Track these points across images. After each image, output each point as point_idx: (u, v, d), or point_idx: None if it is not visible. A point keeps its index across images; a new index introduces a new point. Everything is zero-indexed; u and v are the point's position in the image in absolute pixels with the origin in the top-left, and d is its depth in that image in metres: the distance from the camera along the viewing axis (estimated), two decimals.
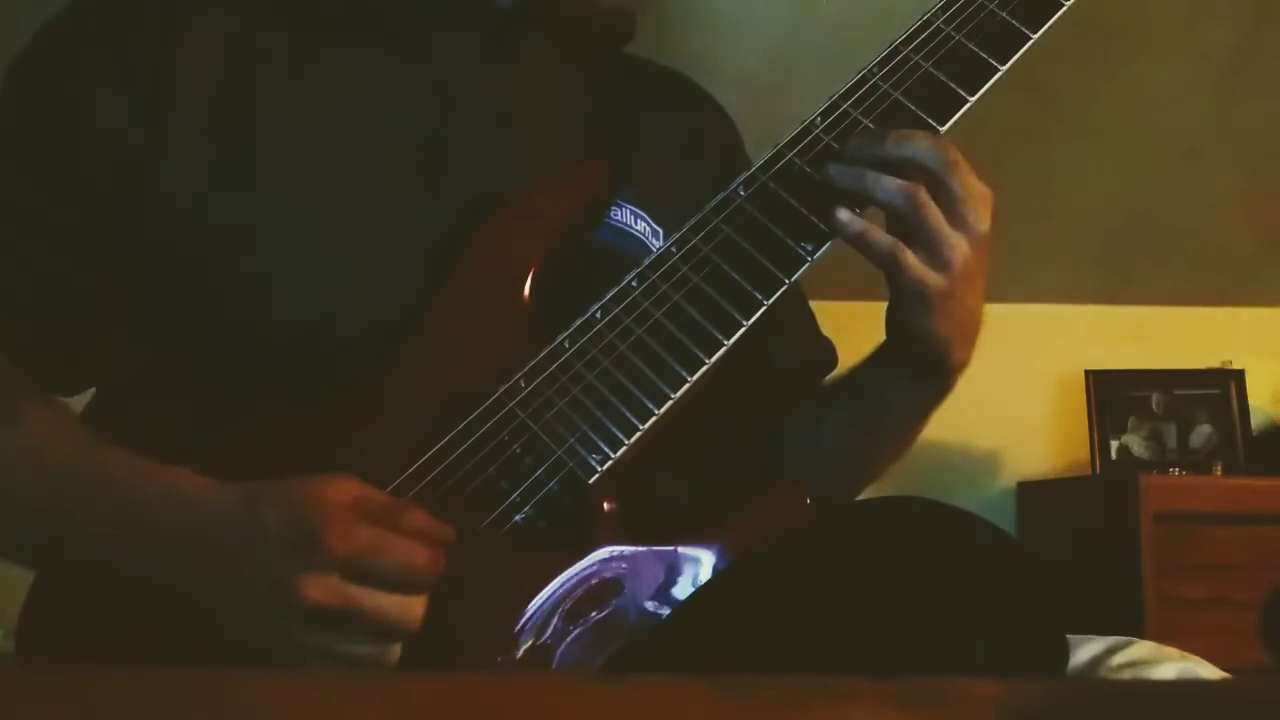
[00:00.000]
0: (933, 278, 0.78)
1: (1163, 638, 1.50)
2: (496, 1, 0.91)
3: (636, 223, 0.92)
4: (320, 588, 0.66)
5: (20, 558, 0.79)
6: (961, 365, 0.85)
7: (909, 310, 0.81)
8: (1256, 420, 2.27)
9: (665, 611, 0.76)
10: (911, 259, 0.78)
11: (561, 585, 0.75)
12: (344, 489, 0.69)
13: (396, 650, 0.68)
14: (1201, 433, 2.26)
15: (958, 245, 0.78)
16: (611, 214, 0.90)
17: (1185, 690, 0.67)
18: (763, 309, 0.80)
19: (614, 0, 1.00)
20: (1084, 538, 2.12)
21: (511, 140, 0.89)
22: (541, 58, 0.94)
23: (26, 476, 0.76)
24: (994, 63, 0.84)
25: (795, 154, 0.83)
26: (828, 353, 1.04)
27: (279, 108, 0.85)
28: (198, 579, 0.70)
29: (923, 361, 0.85)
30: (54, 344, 0.85)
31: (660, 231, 0.93)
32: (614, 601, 0.76)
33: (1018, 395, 2.30)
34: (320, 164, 0.84)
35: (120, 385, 0.88)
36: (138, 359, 0.86)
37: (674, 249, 0.82)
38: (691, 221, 0.83)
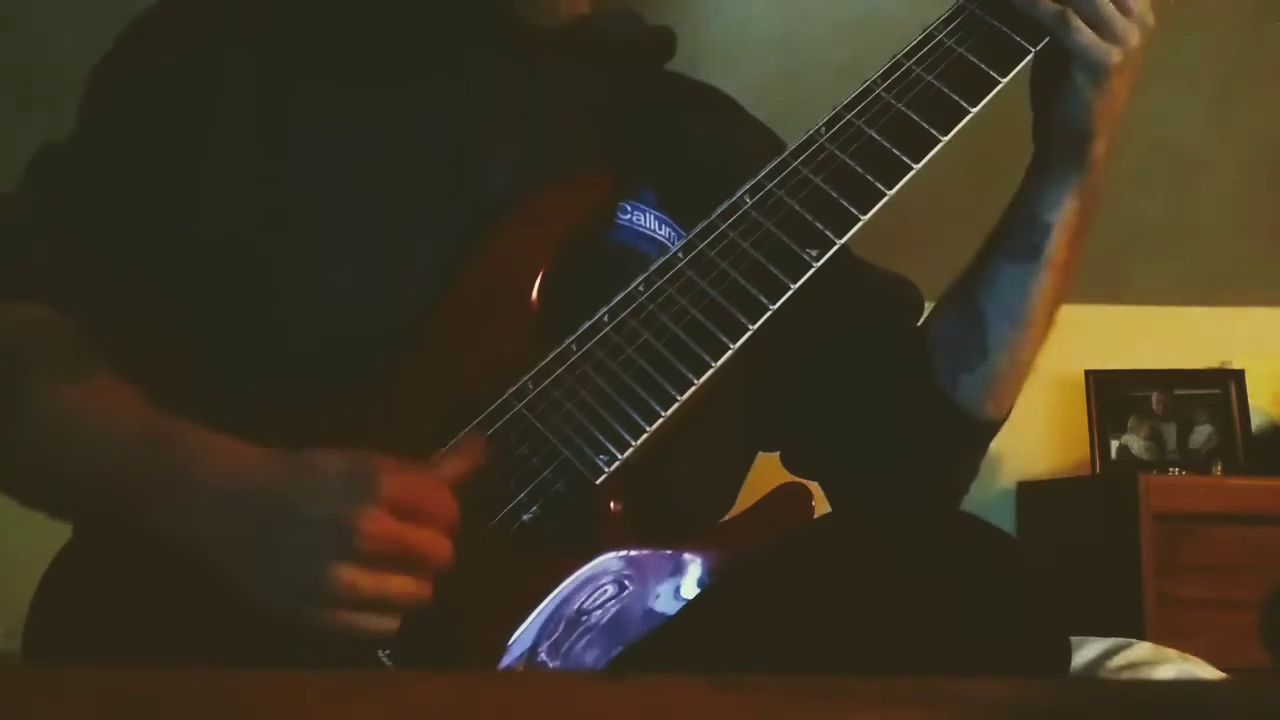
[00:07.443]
0: (1104, 47, 0.84)
1: (1162, 638, 1.50)
2: (532, 24, 0.92)
3: (660, 228, 0.92)
4: (376, 522, 0.69)
5: (71, 513, 0.81)
6: (1099, 160, 0.90)
7: (1074, 81, 0.85)
8: (1256, 420, 2.26)
9: (670, 612, 0.76)
10: (1081, 24, 0.84)
11: (567, 585, 0.75)
12: (387, 457, 0.73)
13: (429, 589, 0.71)
14: (1201, 433, 2.26)
15: (1129, 27, 0.85)
16: (633, 218, 0.91)
17: (1185, 690, 0.67)
18: (769, 313, 0.80)
19: (616, 9, 1.00)
20: (1084, 538, 2.11)
21: (541, 157, 0.90)
22: (574, 76, 0.94)
23: (89, 432, 0.79)
24: (995, 75, 0.86)
25: (800, 162, 0.85)
26: (909, 289, 1.04)
27: (312, 121, 0.88)
28: (236, 533, 0.72)
29: (1068, 148, 0.89)
30: (125, 313, 0.87)
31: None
32: (619, 602, 0.76)
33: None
34: (350, 173, 0.87)
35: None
36: (162, 357, 0.88)
37: (680, 254, 0.83)
38: (699, 228, 0.84)
